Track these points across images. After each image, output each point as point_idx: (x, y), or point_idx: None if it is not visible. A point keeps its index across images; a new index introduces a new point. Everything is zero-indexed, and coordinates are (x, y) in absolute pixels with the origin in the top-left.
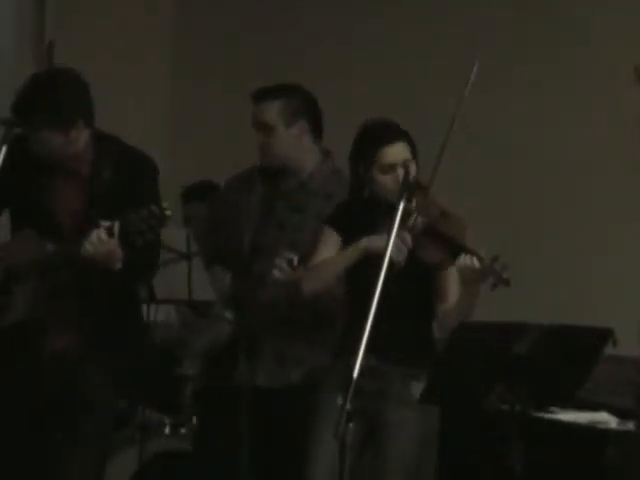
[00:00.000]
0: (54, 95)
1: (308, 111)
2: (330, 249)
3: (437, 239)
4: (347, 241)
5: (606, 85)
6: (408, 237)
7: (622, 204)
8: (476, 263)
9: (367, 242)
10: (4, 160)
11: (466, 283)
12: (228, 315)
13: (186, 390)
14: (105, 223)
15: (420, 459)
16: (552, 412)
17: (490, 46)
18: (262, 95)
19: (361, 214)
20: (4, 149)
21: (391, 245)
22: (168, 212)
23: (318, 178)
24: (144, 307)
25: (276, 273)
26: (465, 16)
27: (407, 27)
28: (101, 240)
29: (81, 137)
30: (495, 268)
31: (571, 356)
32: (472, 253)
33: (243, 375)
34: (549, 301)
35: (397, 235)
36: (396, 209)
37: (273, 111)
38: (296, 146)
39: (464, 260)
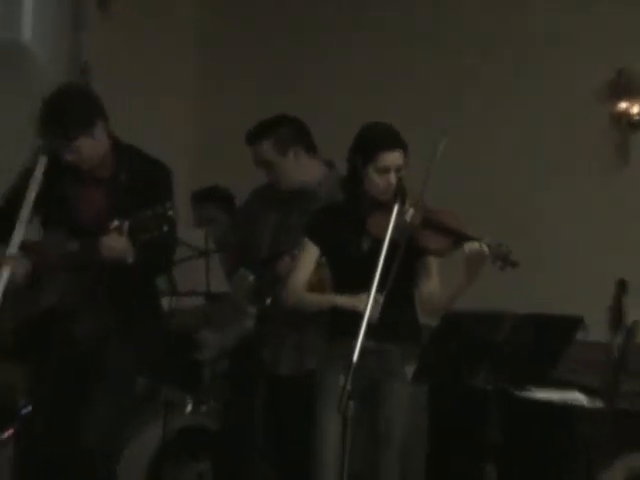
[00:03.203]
0: (71, 105)
1: (296, 135)
2: (309, 260)
3: (437, 229)
4: (325, 250)
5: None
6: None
7: (594, 203)
8: (485, 248)
9: (340, 300)
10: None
11: (472, 267)
12: (252, 310)
13: (205, 372)
14: (115, 224)
15: (411, 429)
16: (529, 390)
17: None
18: (253, 138)
19: (342, 219)
20: (44, 159)
21: (387, 236)
22: (170, 212)
23: (325, 186)
24: (167, 298)
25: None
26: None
27: None
28: (114, 242)
29: (103, 137)
30: (503, 251)
31: (545, 341)
32: (476, 240)
33: (268, 364)
34: (531, 291)
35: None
36: (391, 211)
37: (267, 150)
38: (297, 169)
39: (472, 246)
